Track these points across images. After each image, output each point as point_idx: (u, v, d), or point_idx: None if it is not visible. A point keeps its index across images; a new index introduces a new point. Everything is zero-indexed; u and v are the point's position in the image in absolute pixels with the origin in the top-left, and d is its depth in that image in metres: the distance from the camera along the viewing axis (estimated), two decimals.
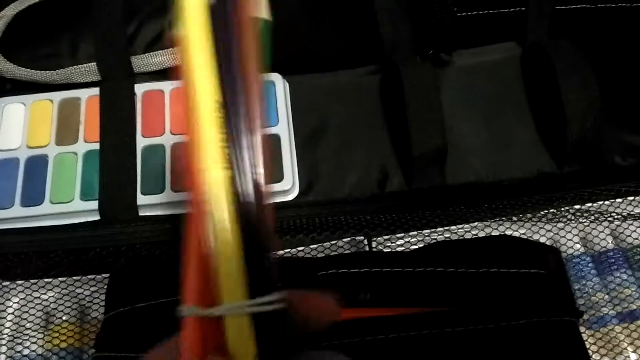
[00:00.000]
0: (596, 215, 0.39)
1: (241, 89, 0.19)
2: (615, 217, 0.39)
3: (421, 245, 0.37)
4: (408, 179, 0.41)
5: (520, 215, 0.38)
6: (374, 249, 0.38)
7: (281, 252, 0.37)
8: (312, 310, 0.21)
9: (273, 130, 0.41)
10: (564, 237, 0.39)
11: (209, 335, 0.19)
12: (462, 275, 0.32)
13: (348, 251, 0.38)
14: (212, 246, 0.18)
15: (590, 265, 0.38)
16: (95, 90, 0.42)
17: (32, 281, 0.38)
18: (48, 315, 0.38)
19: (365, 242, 0.38)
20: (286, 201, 0.40)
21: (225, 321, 0.19)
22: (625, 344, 0.35)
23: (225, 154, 0.19)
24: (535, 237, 0.39)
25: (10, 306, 0.38)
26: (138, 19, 0.44)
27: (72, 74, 0.43)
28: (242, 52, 0.19)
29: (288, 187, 0.40)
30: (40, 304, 0.38)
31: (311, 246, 0.38)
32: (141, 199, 0.39)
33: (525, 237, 0.38)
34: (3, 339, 0.37)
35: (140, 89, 0.43)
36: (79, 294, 0.38)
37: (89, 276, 0.38)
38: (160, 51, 0.44)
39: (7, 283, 0.38)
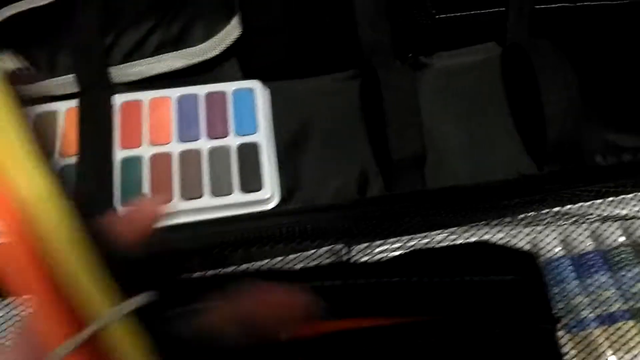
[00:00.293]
0: (576, 217, 0.39)
1: None
2: (595, 218, 0.39)
3: (400, 253, 0.37)
4: (388, 184, 0.41)
5: (500, 219, 0.38)
6: (354, 258, 0.38)
7: (259, 263, 0.37)
8: (276, 306, 0.20)
9: (252, 138, 0.41)
10: (543, 240, 0.38)
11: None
12: (437, 285, 0.32)
13: (327, 260, 0.38)
14: (55, 269, 0.17)
15: (569, 268, 0.38)
16: (74, 103, 0.42)
17: None
18: None
19: (344, 251, 0.38)
20: (265, 210, 0.40)
21: (105, 336, 0.17)
22: (605, 347, 0.35)
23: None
24: (515, 241, 0.38)
25: None
26: (115, 29, 0.44)
27: (49, 86, 0.42)
28: None
29: (267, 196, 0.40)
30: None
31: (290, 256, 0.38)
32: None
33: (504, 241, 0.38)
34: None
35: (118, 99, 0.42)
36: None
37: None
38: (139, 61, 0.43)
39: None
